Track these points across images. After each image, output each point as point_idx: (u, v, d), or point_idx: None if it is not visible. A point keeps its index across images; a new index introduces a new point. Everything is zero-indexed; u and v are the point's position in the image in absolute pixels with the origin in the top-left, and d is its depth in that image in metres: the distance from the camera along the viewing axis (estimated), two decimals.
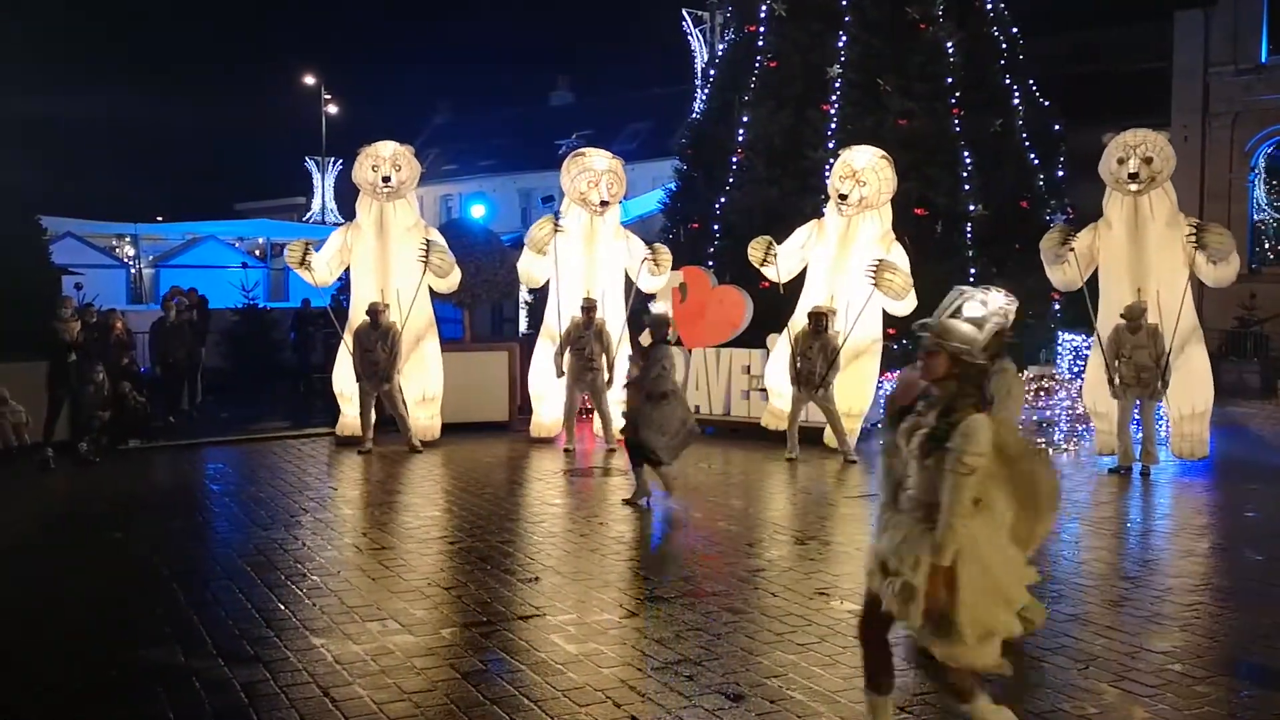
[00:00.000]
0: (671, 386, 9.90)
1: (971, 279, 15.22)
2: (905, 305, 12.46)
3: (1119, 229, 12.16)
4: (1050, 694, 5.42)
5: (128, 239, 33.29)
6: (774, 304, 13.38)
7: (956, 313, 4.58)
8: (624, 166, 13.96)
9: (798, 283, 13.17)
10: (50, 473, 11.71)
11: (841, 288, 12.62)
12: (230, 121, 76.69)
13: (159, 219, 37.89)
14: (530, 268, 13.99)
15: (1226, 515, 9.91)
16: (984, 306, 4.63)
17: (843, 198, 12.59)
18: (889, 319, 12.74)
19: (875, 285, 12.21)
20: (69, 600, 7.28)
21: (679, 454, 9.97)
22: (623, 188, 13.92)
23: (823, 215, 13.13)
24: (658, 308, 11.27)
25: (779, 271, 13.03)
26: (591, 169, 13.61)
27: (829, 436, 12.64)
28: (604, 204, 13.54)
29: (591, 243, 13.65)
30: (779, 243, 13.10)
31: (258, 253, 34.17)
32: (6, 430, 12.36)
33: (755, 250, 13.12)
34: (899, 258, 12.53)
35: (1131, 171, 11.94)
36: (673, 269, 14.30)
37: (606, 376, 12.91)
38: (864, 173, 12.57)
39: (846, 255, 12.71)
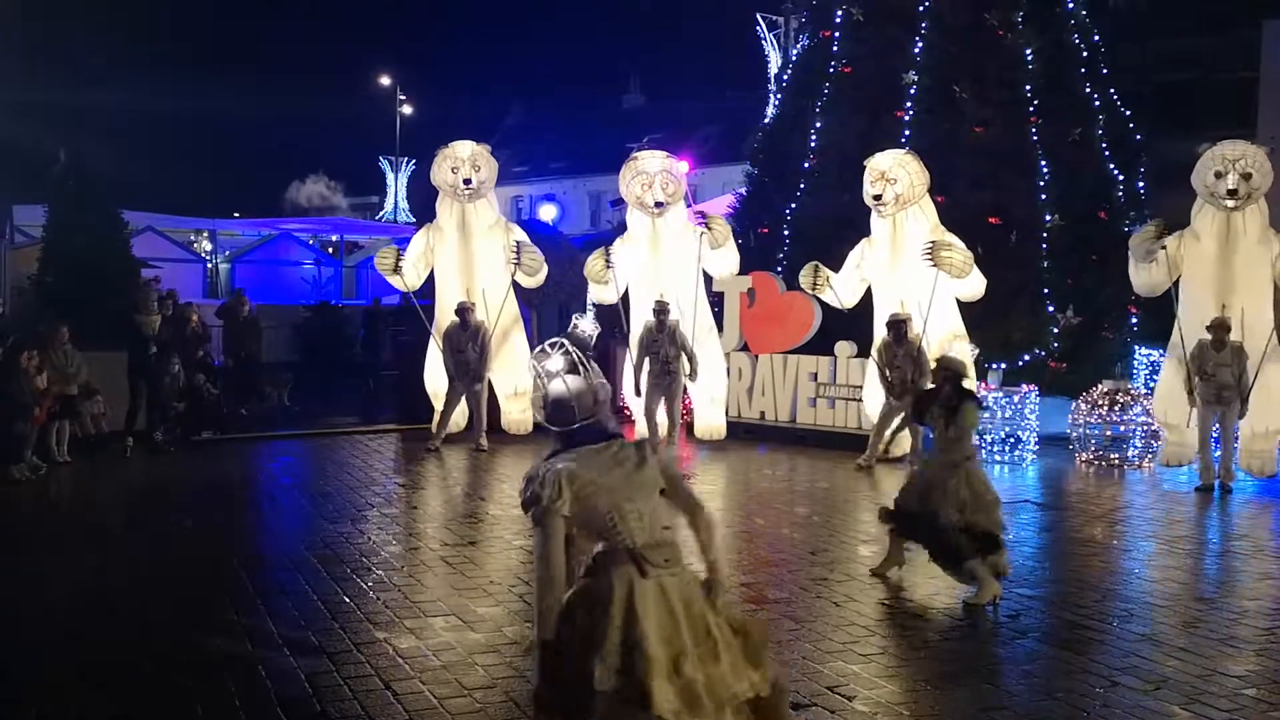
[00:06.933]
0: None
1: (1045, 290, 15.00)
2: (973, 286, 12.30)
3: (1208, 243, 11.87)
4: (1120, 714, 5.29)
5: (205, 234, 33.92)
6: (842, 311, 13.29)
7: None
8: (694, 170, 13.84)
9: (865, 301, 13.10)
10: (126, 461, 11.99)
11: (908, 291, 12.48)
12: (305, 119, 77.87)
13: (235, 214, 38.58)
14: (599, 292, 14.16)
15: None
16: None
17: (877, 198, 12.54)
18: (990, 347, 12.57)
19: (934, 264, 12.13)
20: (141, 586, 7.43)
21: None
22: (680, 187, 13.76)
23: (869, 234, 13.01)
24: None
25: (839, 296, 13.09)
26: (645, 171, 13.60)
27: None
28: (659, 205, 13.47)
29: (656, 246, 13.63)
30: (830, 267, 13.06)
31: (331, 250, 34.63)
32: (87, 419, 12.67)
33: (805, 277, 13.17)
34: (954, 241, 12.44)
35: (1230, 188, 11.64)
36: (742, 274, 14.25)
37: (689, 369, 12.92)
38: (891, 170, 12.52)
39: (901, 257, 12.62)
